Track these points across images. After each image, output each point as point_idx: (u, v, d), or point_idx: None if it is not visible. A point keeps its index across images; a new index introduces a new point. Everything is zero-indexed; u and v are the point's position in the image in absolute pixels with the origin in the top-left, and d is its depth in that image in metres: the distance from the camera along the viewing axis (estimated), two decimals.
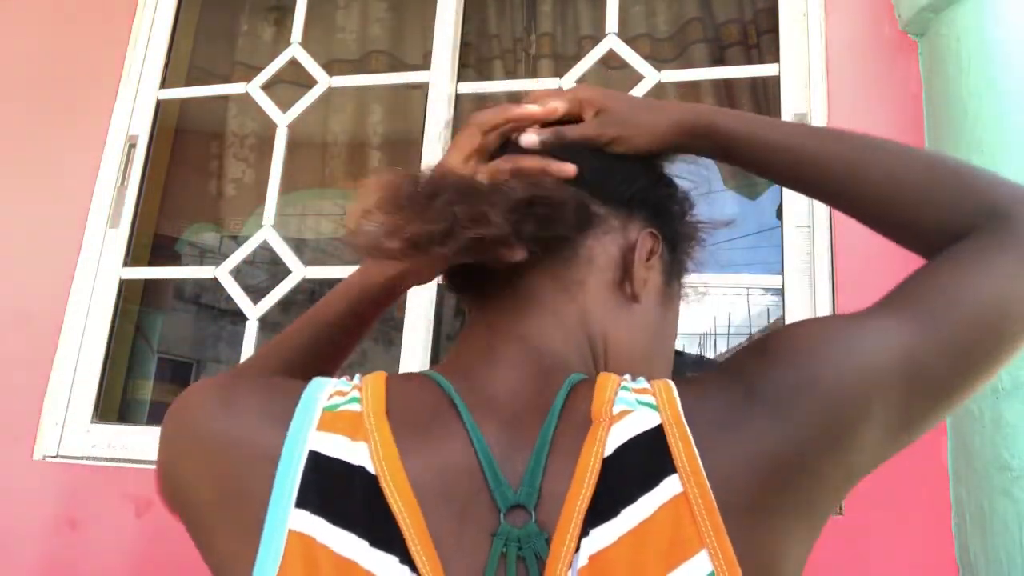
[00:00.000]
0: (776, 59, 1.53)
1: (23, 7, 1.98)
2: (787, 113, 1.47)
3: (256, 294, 1.68)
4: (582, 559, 0.39)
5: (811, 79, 1.45)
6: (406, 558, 0.39)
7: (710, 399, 0.44)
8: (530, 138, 0.55)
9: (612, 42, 1.66)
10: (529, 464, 0.42)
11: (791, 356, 0.44)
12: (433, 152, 1.63)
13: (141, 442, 1.58)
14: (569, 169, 0.53)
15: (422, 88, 1.71)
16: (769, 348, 0.46)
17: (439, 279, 0.60)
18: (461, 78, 1.71)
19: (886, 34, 1.42)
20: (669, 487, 0.40)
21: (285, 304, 1.68)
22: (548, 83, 1.79)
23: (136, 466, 1.54)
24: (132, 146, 1.79)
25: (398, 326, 1.54)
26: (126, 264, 1.72)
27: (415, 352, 1.52)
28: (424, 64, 1.74)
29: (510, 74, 2.26)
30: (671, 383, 0.45)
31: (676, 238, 0.59)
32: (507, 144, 0.57)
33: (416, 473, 0.42)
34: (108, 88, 1.82)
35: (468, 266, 0.50)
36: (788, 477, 0.42)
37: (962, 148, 1.20)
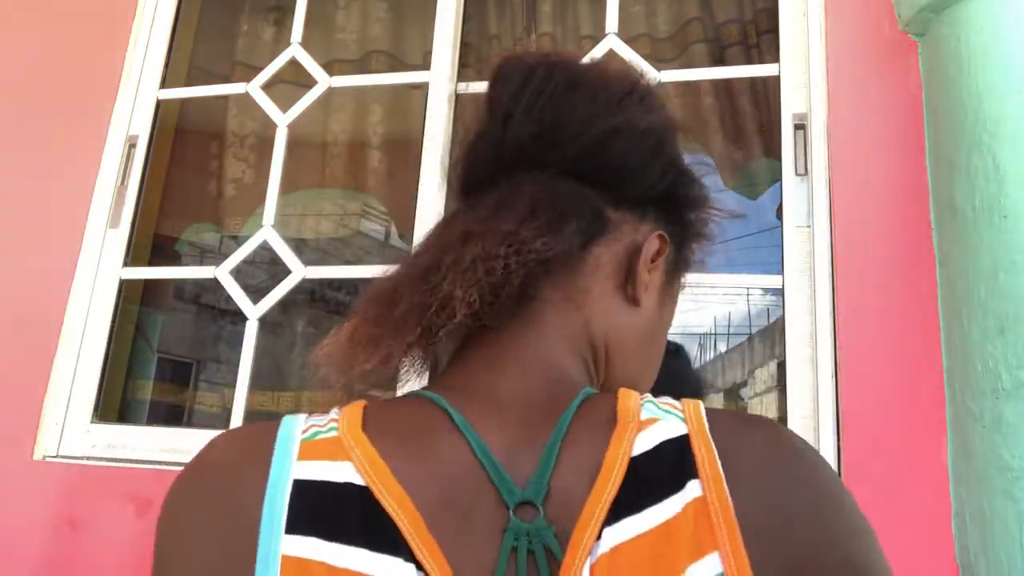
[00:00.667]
0: (776, 59, 1.53)
1: (23, 7, 1.98)
2: (787, 113, 1.47)
3: (256, 294, 1.68)
4: (603, 547, 0.40)
5: (811, 79, 1.45)
6: (410, 557, 0.40)
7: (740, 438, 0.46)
8: None
9: (612, 42, 1.66)
10: (539, 463, 0.44)
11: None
12: (433, 152, 1.63)
13: (141, 442, 1.58)
14: None
15: (422, 88, 1.71)
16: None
17: None
18: (461, 78, 1.71)
19: (886, 34, 1.42)
20: (691, 490, 0.42)
21: (285, 304, 1.68)
22: None
23: (136, 466, 1.54)
24: (132, 146, 1.79)
25: None
26: (126, 264, 1.72)
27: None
28: (424, 64, 1.74)
29: None
30: (700, 403, 0.48)
31: (684, 236, 0.59)
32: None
33: (408, 480, 0.43)
34: (108, 88, 1.82)
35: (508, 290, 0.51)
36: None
37: (962, 148, 1.20)
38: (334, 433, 0.45)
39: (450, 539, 0.41)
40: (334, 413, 0.48)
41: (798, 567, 0.41)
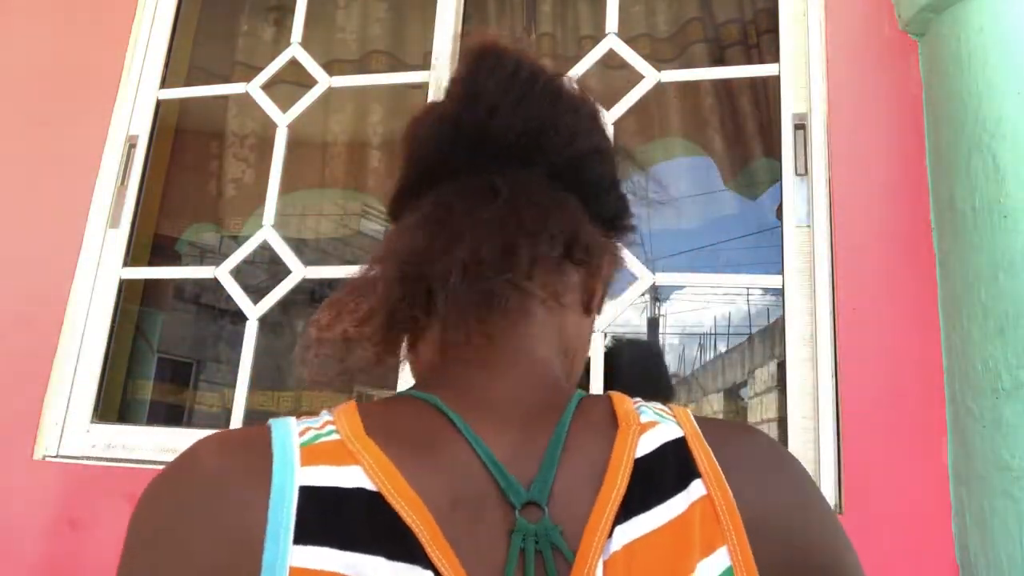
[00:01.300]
0: (776, 59, 1.53)
1: (23, 7, 1.98)
2: (787, 113, 1.47)
3: (256, 294, 1.68)
4: (615, 545, 0.42)
5: (811, 79, 1.45)
6: (427, 564, 0.39)
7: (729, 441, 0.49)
8: None
9: (612, 42, 1.66)
10: (541, 465, 0.44)
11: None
12: None
13: (141, 442, 1.58)
14: None
15: (422, 88, 1.71)
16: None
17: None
18: None
19: (886, 34, 1.42)
20: (696, 489, 0.45)
21: (285, 304, 1.68)
22: None
23: (136, 466, 1.54)
24: (132, 146, 1.79)
25: None
26: (126, 264, 1.72)
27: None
28: (424, 64, 1.74)
29: None
30: (688, 410, 0.51)
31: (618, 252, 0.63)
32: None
33: (419, 483, 0.42)
34: (108, 88, 1.82)
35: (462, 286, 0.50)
36: None
37: (962, 148, 1.20)
38: (336, 436, 0.44)
39: (462, 543, 0.41)
40: (325, 415, 0.46)
41: (792, 562, 0.45)
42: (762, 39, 1.99)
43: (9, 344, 1.68)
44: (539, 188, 0.54)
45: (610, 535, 0.42)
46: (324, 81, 1.80)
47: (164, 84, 1.84)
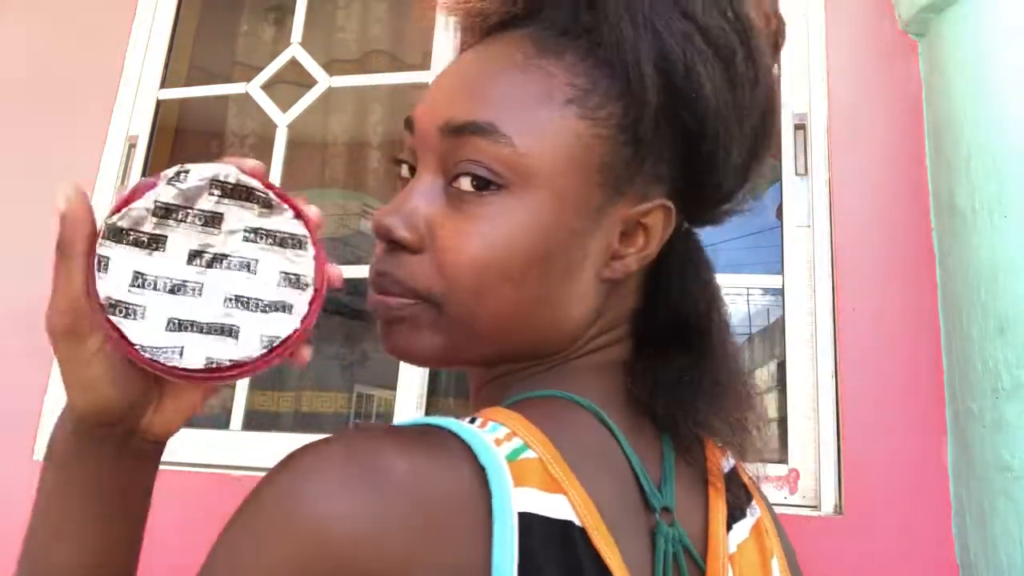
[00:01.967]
0: (776, 59, 1.53)
1: (23, 7, 1.98)
2: (787, 113, 1.47)
3: None
4: (731, 547, 0.46)
5: (811, 79, 1.45)
6: None
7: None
8: None
9: None
10: (663, 471, 0.46)
11: None
12: None
13: None
14: None
15: (422, 88, 1.71)
16: None
17: None
18: None
19: (886, 34, 1.42)
20: (755, 507, 0.51)
21: None
22: None
23: None
24: (132, 146, 1.79)
25: None
26: None
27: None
28: (424, 64, 1.74)
29: None
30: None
31: None
32: None
33: (605, 508, 0.39)
34: (108, 88, 1.82)
35: None
36: None
37: (962, 148, 1.20)
38: (533, 455, 0.38)
39: (630, 552, 0.39)
40: (495, 425, 0.39)
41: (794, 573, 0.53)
42: None
43: (9, 344, 1.68)
44: None
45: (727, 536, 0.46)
46: (324, 81, 1.80)
47: (164, 84, 1.84)
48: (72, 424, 0.43)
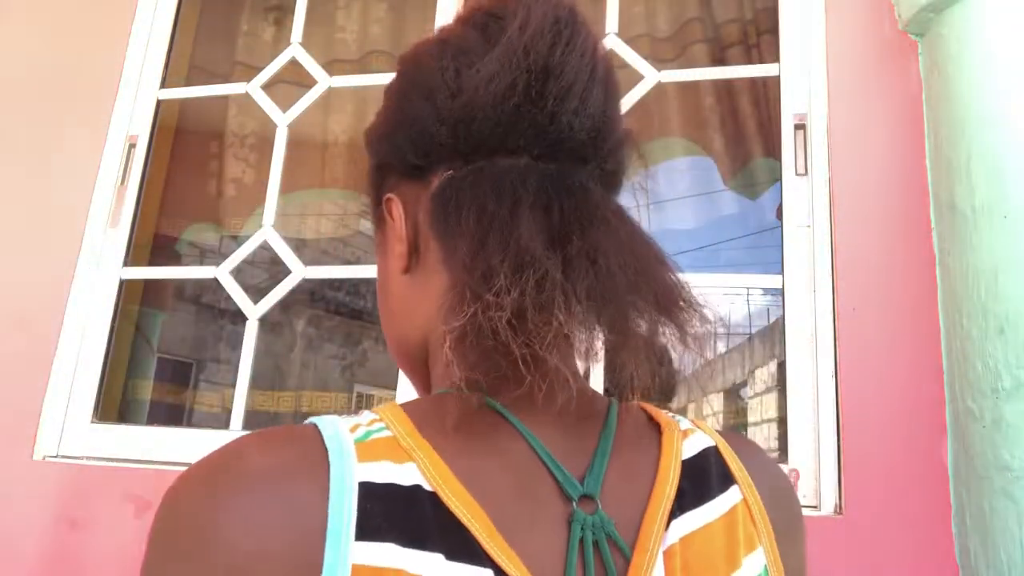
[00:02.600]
0: (776, 59, 1.53)
1: (23, 7, 1.98)
2: (787, 113, 1.47)
3: (256, 294, 1.68)
4: (672, 538, 0.44)
5: (811, 79, 1.45)
6: (486, 562, 0.39)
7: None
8: None
9: (612, 42, 1.66)
10: (592, 461, 0.46)
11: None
12: None
13: (141, 442, 1.58)
14: None
15: None
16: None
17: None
18: None
19: (886, 34, 1.42)
20: (734, 493, 0.49)
21: (285, 304, 1.68)
22: None
23: (136, 466, 1.54)
24: (132, 146, 1.79)
25: None
26: (126, 264, 1.72)
27: None
28: None
29: None
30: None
31: None
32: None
33: (474, 478, 0.42)
34: (108, 88, 1.82)
35: None
36: None
37: (962, 148, 1.20)
38: (388, 433, 0.43)
39: (522, 534, 0.41)
40: (368, 414, 0.45)
41: (797, 564, 0.51)
42: (762, 39, 1.99)
43: (9, 344, 1.68)
44: (612, 206, 0.51)
45: (666, 528, 0.45)
46: (324, 81, 1.80)
47: (164, 84, 1.84)
48: None
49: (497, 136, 0.49)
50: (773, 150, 1.90)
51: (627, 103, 1.60)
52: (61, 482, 1.55)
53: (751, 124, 2.03)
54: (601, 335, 0.47)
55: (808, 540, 0.56)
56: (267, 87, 1.84)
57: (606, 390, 0.59)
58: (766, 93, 1.98)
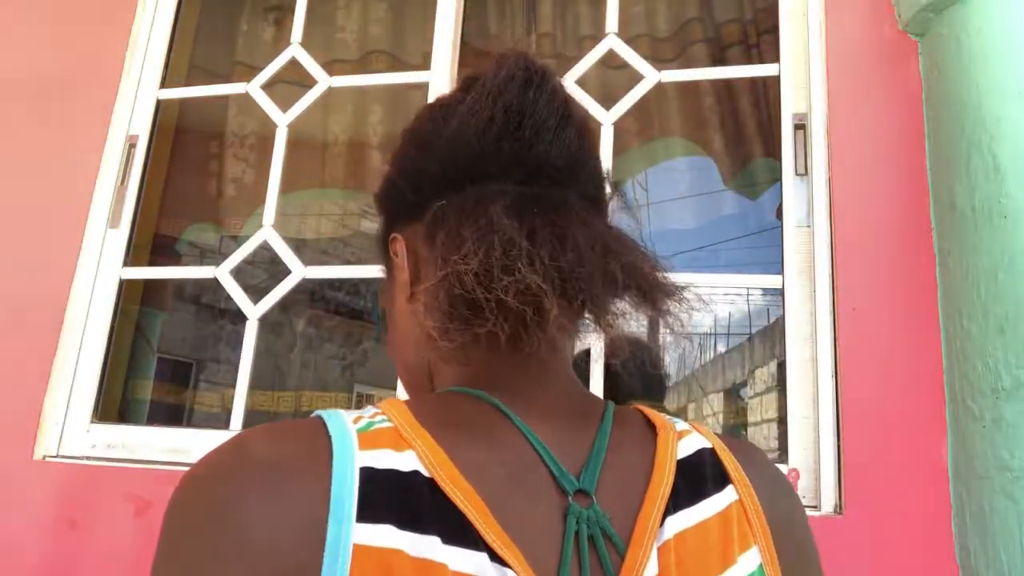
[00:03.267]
0: (776, 59, 1.53)
1: (24, 7, 1.98)
2: (787, 113, 1.47)
3: (256, 294, 1.68)
4: (667, 534, 0.46)
5: (811, 79, 1.45)
6: (481, 546, 0.41)
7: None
8: None
9: (612, 42, 1.66)
10: (589, 459, 0.48)
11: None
12: None
13: (141, 442, 1.58)
14: None
15: (422, 88, 1.71)
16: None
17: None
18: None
19: (886, 34, 1.42)
20: (730, 492, 0.50)
21: (285, 304, 1.68)
22: None
23: (136, 466, 1.54)
24: (132, 146, 1.79)
25: None
26: (126, 264, 1.72)
27: None
28: (424, 64, 1.74)
29: None
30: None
31: None
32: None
33: (472, 467, 0.44)
34: (108, 88, 1.82)
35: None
36: None
37: (962, 148, 1.20)
38: (389, 424, 0.45)
39: (518, 522, 0.43)
40: (372, 409, 0.48)
41: (796, 561, 0.52)
42: (762, 39, 1.99)
43: (9, 344, 1.68)
44: (592, 214, 0.55)
45: (661, 524, 0.46)
46: (324, 81, 1.80)
47: (164, 84, 1.84)
48: None
49: (480, 166, 0.54)
50: (773, 150, 1.90)
51: (627, 103, 1.60)
52: (61, 482, 1.55)
53: (751, 124, 2.03)
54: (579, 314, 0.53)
55: None
56: (267, 87, 1.84)
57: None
58: (766, 93, 1.98)
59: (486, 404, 0.49)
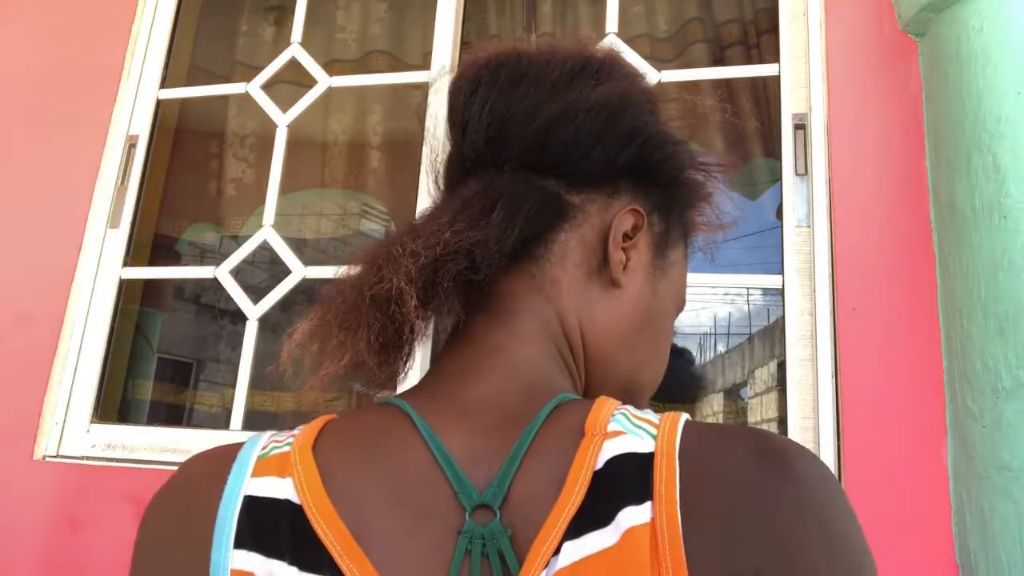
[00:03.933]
0: (776, 59, 1.53)
1: (24, 8, 1.98)
2: (787, 113, 1.47)
3: (256, 294, 1.68)
4: (562, 561, 0.38)
5: (811, 79, 1.45)
6: (336, 573, 0.41)
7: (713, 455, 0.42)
8: None
9: (612, 42, 1.66)
10: (501, 468, 0.43)
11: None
12: (432, 151, 1.63)
13: (141, 442, 1.58)
14: None
15: (422, 88, 1.71)
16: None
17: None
18: None
19: (886, 34, 1.42)
20: (643, 513, 0.39)
21: (285, 304, 1.68)
22: None
23: (136, 466, 1.54)
24: (132, 146, 1.79)
25: None
26: (126, 264, 1.72)
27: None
28: (424, 64, 1.74)
29: None
30: (684, 417, 0.44)
31: (672, 203, 0.56)
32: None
33: (346, 492, 0.43)
34: (108, 88, 1.82)
35: (442, 282, 0.48)
36: None
37: (962, 148, 1.20)
38: (287, 449, 0.46)
39: (391, 546, 0.42)
40: (298, 429, 0.48)
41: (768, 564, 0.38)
42: (762, 39, 1.99)
43: (9, 344, 1.68)
44: (476, 185, 0.52)
45: (558, 550, 0.39)
46: (324, 81, 1.80)
47: (164, 84, 1.84)
48: None
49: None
50: (773, 150, 1.90)
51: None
52: (61, 482, 1.55)
53: (751, 124, 2.03)
54: None
55: None
56: (267, 87, 1.84)
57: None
58: (766, 93, 1.98)
59: (401, 413, 0.47)
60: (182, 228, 2.39)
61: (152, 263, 1.98)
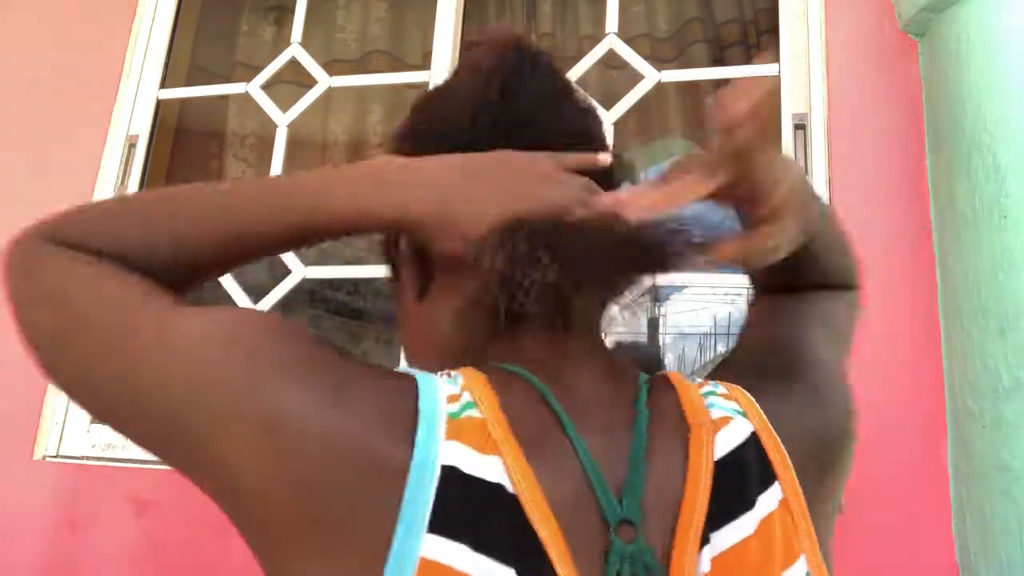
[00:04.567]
0: (776, 59, 1.53)
1: (24, 7, 1.98)
2: (787, 113, 1.47)
3: (256, 294, 1.68)
4: (704, 565, 0.39)
5: (811, 79, 1.45)
6: None
7: (784, 405, 0.48)
8: None
9: (612, 42, 1.66)
10: (628, 475, 0.41)
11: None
12: None
13: None
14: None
15: (422, 88, 1.71)
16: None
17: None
18: None
19: (886, 34, 1.42)
20: (775, 493, 0.42)
21: (285, 304, 1.68)
22: None
23: (136, 466, 1.54)
24: (132, 146, 1.79)
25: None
26: None
27: None
28: (424, 64, 1.74)
29: None
30: (742, 388, 0.47)
31: None
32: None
33: (549, 492, 0.38)
34: (108, 88, 1.82)
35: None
36: (834, 471, 0.52)
37: (962, 148, 1.20)
38: (475, 412, 0.39)
39: (581, 561, 0.37)
40: (459, 378, 0.42)
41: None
42: (762, 39, 1.99)
43: (9, 344, 1.68)
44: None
45: (699, 551, 0.39)
46: (324, 81, 1.80)
47: (164, 84, 1.85)
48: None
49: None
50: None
51: (627, 103, 1.60)
52: (61, 482, 1.55)
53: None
54: None
55: None
56: (267, 87, 1.84)
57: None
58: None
59: (539, 397, 0.42)
60: None
61: None
